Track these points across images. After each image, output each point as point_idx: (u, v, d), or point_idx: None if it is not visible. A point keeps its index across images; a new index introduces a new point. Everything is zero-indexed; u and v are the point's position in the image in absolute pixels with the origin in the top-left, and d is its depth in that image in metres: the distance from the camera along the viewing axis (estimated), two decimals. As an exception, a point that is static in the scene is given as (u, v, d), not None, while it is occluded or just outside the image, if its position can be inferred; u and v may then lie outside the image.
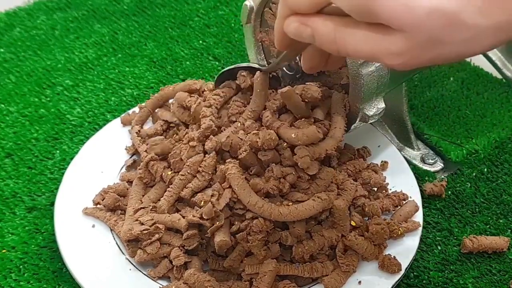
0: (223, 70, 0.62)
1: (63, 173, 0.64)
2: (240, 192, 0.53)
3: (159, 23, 0.92)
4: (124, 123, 0.69)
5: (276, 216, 0.52)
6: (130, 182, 0.62)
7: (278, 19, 0.41)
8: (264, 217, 0.53)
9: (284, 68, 0.62)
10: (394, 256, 0.55)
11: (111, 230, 0.59)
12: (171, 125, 0.65)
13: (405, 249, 0.57)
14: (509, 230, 0.62)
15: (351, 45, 0.36)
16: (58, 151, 0.71)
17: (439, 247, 0.61)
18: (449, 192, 0.66)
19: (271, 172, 0.54)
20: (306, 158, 0.53)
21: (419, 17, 0.33)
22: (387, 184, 0.62)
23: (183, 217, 0.55)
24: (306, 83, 0.62)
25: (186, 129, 0.62)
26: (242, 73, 0.60)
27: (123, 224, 0.57)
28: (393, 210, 0.60)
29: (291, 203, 0.54)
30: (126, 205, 0.59)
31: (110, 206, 0.60)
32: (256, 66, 0.59)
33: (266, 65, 0.63)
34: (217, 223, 0.53)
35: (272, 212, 0.52)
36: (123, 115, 0.69)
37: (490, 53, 0.79)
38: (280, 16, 0.40)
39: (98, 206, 0.61)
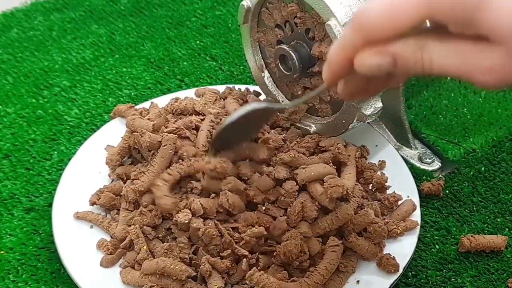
0: (227, 123, 0.48)
1: (60, 174, 0.64)
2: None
3: (156, 24, 0.92)
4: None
5: None
6: (125, 181, 0.62)
7: (339, 51, 0.36)
8: None
9: (281, 68, 0.62)
10: (393, 257, 0.55)
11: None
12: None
13: (403, 249, 0.57)
14: (507, 229, 0.62)
15: (438, 60, 0.33)
16: (55, 152, 0.71)
17: (437, 246, 0.61)
18: (447, 191, 0.66)
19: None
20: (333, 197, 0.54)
21: None
22: (389, 187, 0.62)
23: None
24: (305, 84, 0.62)
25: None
26: None
27: (117, 225, 0.57)
28: (387, 214, 0.60)
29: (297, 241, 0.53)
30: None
31: (106, 205, 0.60)
32: (276, 106, 0.51)
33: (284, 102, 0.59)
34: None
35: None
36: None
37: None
38: (344, 49, 0.36)
39: (94, 206, 0.61)
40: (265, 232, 0.53)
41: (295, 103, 0.47)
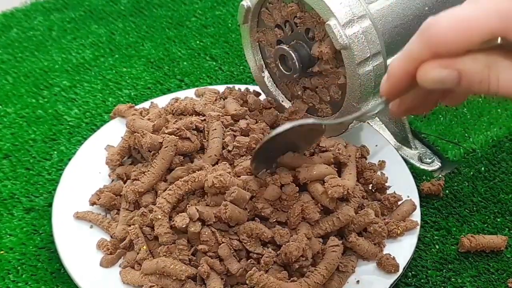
0: (276, 132, 0.48)
1: (60, 174, 0.64)
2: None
3: (156, 24, 0.92)
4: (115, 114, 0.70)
5: None
6: (125, 181, 0.61)
7: (403, 63, 0.35)
8: None
9: (281, 68, 0.62)
10: (393, 257, 0.55)
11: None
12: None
13: (403, 249, 0.57)
14: (507, 229, 0.62)
15: (505, 81, 0.32)
16: (55, 152, 0.71)
17: (437, 246, 0.61)
18: (447, 191, 0.66)
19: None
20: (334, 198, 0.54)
21: None
22: (389, 187, 0.62)
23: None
24: (305, 84, 0.62)
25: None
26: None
27: (117, 225, 0.57)
28: (387, 214, 0.60)
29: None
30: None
31: (106, 205, 0.60)
32: (322, 122, 0.51)
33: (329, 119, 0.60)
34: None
35: None
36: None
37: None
38: (408, 61, 0.34)
39: (94, 206, 0.61)
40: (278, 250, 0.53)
41: (346, 118, 0.45)
